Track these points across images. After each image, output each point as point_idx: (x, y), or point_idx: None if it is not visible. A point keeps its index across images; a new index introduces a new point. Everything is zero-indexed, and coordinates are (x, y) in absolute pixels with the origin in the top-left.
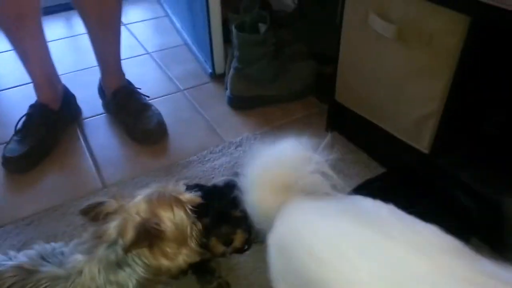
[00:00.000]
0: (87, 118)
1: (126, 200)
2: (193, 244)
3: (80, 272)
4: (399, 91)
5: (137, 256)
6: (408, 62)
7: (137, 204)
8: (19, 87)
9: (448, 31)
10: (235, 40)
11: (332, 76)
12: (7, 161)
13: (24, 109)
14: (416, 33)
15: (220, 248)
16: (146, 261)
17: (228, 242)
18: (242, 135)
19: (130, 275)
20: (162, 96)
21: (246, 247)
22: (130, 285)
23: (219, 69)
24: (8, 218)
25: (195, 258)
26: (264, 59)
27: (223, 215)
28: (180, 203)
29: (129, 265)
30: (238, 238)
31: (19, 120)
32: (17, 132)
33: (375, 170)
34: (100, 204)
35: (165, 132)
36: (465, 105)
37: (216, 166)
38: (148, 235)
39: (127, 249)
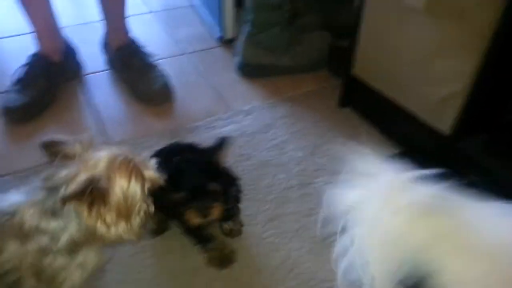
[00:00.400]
0: (89, 74)
1: (91, 150)
2: (136, 223)
3: (14, 213)
4: (424, 67)
5: (75, 212)
6: (436, 36)
7: (98, 159)
8: (17, 36)
9: (483, 4)
10: (249, 3)
11: (349, 49)
12: (6, 111)
13: (22, 59)
14: (446, 5)
15: (196, 220)
16: (81, 219)
17: (205, 214)
18: (251, 104)
19: (63, 228)
20: (166, 58)
21: (228, 222)
22: (62, 238)
23: (228, 34)
24: (7, 168)
25: (132, 236)
26: (278, 25)
27: (200, 189)
28: (140, 178)
29: (63, 217)
30: (216, 211)
31: (18, 70)
32: (16, 82)
33: (389, 150)
34: (63, 143)
35: (171, 95)
36: (494, 85)
37: (224, 133)
38: (92, 194)
39: (64, 199)
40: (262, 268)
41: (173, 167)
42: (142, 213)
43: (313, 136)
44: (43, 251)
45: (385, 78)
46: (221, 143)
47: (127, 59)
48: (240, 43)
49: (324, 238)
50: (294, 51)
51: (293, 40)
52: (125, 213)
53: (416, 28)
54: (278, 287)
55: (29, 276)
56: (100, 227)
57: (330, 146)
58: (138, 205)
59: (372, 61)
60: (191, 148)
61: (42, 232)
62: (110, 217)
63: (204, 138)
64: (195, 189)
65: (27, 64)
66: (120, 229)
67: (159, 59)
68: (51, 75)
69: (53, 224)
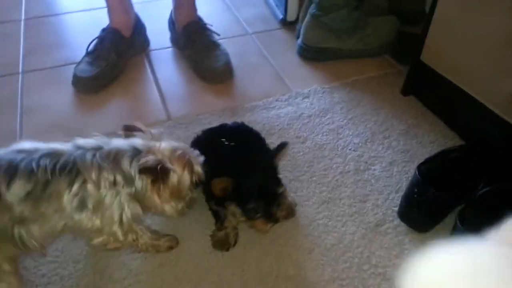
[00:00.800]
0: (155, 50)
1: (158, 141)
2: (181, 204)
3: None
4: (498, 58)
5: (142, 180)
6: None
7: (164, 149)
8: (89, 11)
9: None
10: None
11: (421, 34)
12: (77, 80)
13: (92, 33)
14: None
15: (266, 226)
16: (144, 188)
17: (272, 220)
18: (311, 87)
19: (133, 180)
20: (229, 38)
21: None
22: (131, 186)
23: (291, 16)
24: (76, 136)
25: (176, 214)
26: (345, 7)
27: (269, 193)
28: (192, 170)
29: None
30: (280, 214)
31: (90, 42)
32: (88, 53)
33: (452, 141)
34: (141, 130)
35: (232, 73)
36: None
37: (281, 115)
38: (158, 172)
39: (140, 170)
40: (314, 248)
41: (236, 168)
42: (187, 199)
43: (371, 123)
44: (114, 185)
45: (456, 67)
46: (281, 147)
47: (192, 37)
48: (303, 25)
49: (378, 224)
50: (360, 35)
51: (359, 23)
52: (176, 194)
53: (496, 16)
54: (329, 268)
55: (92, 201)
56: (155, 199)
57: (389, 134)
58: (186, 191)
59: (443, 49)
60: (238, 131)
61: (121, 170)
62: (165, 194)
63: (261, 118)
64: (264, 193)
65: (99, 37)
66: (168, 205)
67: (222, 38)
68: (121, 49)
69: (128, 170)
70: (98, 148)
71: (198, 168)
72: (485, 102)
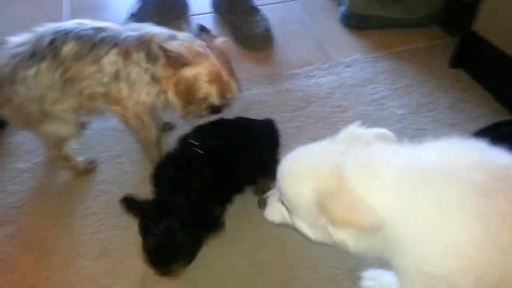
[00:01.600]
0: (195, 15)
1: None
2: (190, 107)
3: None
4: None
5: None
6: None
7: (197, 51)
8: None
9: None
10: None
11: (474, 3)
12: None
13: None
14: None
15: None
16: (160, 70)
17: None
18: (353, 56)
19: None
20: (270, 4)
21: None
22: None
23: None
24: None
25: (182, 113)
26: None
27: None
28: (219, 82)
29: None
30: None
31: (132, 5)
32: (130, 16)
33: (501, 116)
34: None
35: (271, 40)
36: None
37: (322, 83)
38: (173, 59)
39: (159, 46)
40: None
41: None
42: (203, 106)
43: (417, 95)
44: (143, 62)
45: None
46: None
47: (234, 1)
48: None
49: None
50: (406, 4)
51: None
52: (188, 92)
53: None
54: None
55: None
56: (166, 83)
57: (435, 107)
58: (201, 97)
59: (500, 17)
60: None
61: (149, 49)
62: (174, 82)
63: (301, 86)
64: None
65: (141, 0)
66: (171, 94)
67: (262, 5)
68: (164, 12)
69: (156, 49)
70: (138, 30)
71: (230, 84)
72: None
